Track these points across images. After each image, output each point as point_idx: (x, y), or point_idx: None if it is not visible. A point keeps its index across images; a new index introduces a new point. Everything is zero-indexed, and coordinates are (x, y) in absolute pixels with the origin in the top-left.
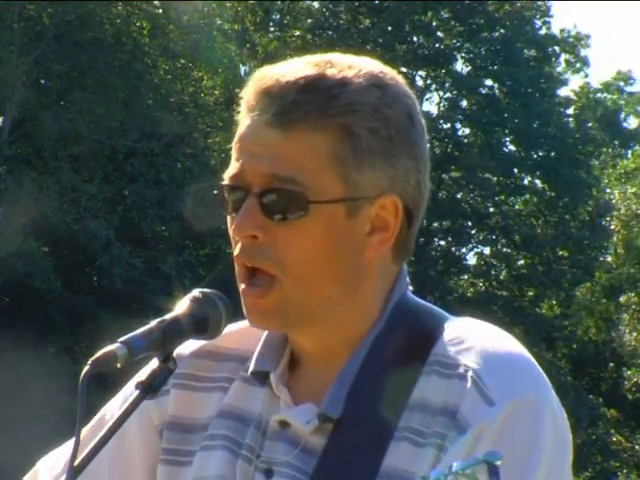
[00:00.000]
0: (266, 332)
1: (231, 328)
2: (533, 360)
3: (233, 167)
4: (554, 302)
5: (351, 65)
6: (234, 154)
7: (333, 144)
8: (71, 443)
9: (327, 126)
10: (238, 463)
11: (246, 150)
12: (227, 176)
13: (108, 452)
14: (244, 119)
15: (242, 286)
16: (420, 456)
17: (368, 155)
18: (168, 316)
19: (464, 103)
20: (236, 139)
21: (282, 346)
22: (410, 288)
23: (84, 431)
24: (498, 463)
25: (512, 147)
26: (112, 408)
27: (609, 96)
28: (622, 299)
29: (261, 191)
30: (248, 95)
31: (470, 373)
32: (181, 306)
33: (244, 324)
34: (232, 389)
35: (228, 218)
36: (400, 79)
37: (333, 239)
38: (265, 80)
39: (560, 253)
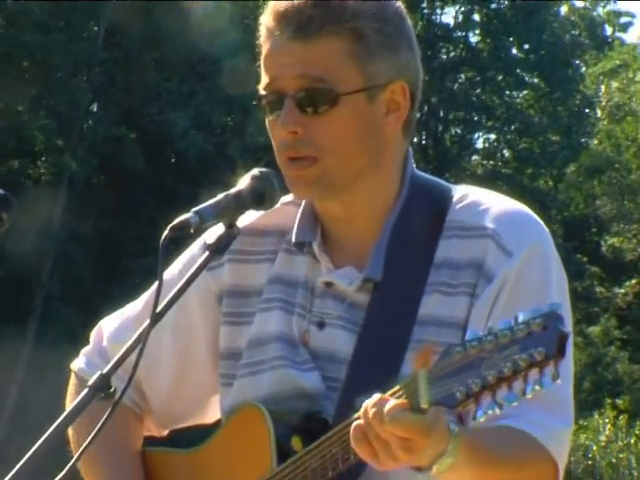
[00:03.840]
0: (301, 208)
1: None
2: (535, 215)
3: (265, 79)
4: (548, 178)
5: None
6: (264, 70)
7: (348, 45)
8: (130, 306)
9: (341, 32)
10: (293, 319)
11: (275, 63)
12: (262, 87)
13: (171, 315)
14: (266, 42)
15: (286, 165)
16: (452, 303)
17: (376, 50)
18: (232, 190)
19: (476, 15)
20: (263, 58)
21: (316, 219)
22: (414, 166)
23: (145, 295)
24: (561, 312)
25: (515, 51)
26: (170, 275)
27: (595, 12)
28: (603, 178)
29: (295, 92)
30: (266, 21)
31: (488, 232)
32: (243, 182)
33: (278, 204)
34: (278, 259)
35: (267, 121)
36: None
37: (359, 122)
38: (280, 5)
39: (553, 138)
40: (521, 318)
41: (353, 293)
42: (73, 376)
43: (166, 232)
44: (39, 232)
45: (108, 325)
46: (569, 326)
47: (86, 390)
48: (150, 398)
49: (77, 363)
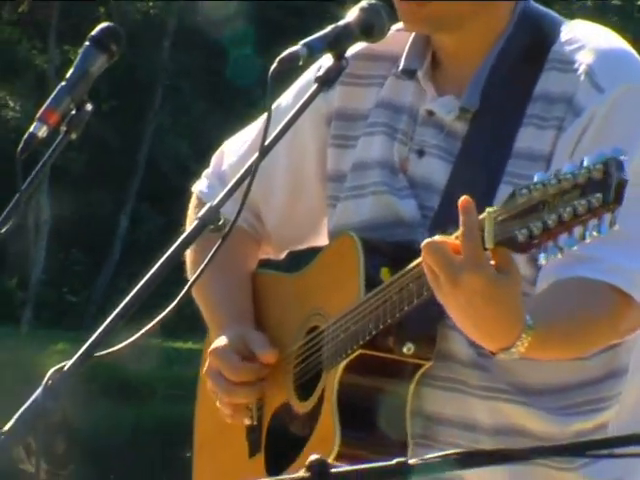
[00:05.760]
0: (412, 35)
1: None
2: (637, 55)
3: None
4: None
5: None
6: None
7: None
8: (251, 129)
9: None
10: (395, 145)
11: None
12: None
13: (284, 138)
14: None
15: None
16: (543, 137)
17: None
18: (341, 22)
19: None
20: None
21: (426, 47)
22: None
23: (259, 120)
24: (623, 158)
25: None
26: (285, 99)
27: None
28: None
29: None
30: None
31: (584, 67)
32: (352, 14)
33: (392, 30)
34: (386, 84)
35: None
36: None
37: None
38: None
39: None
40: (585, 162)
41: (451, 122)
42: (194, 197)
43: (275, 65)
44: (149, 64)
45: (229, 149)
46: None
47: (195, 222)
48: (266, 219)
49: (198, 185)
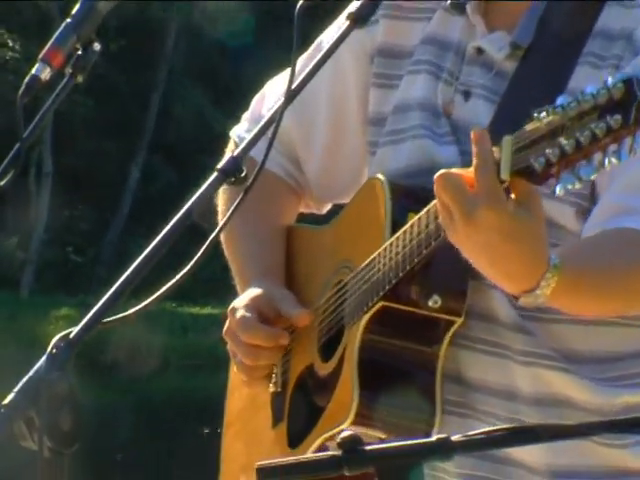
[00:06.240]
0: None
1: None
2: None
3: None
4: None
5: None
6: None
7: None
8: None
9: None
10: (439, 86)
11: None
12: None
13: (326, 76)
14: None
15: None
16: (598, 77)
17: None
18: None
19: None
20: None
21: None
22: None
23: (303, 57)
24: None
25: None
26: (327, 36)
27: None
28: None
29: None
30: None
31: None
32: None
33: None
34: (434, 19)
35: None
36: None
37: None
38: None
39: None
40: (609, 82)
41: (502, 61)
42: (231, 142)
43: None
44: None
45: (270, 90)
46: None
47: (215, 174)
48: (306, 167)
49: (236, 130)
